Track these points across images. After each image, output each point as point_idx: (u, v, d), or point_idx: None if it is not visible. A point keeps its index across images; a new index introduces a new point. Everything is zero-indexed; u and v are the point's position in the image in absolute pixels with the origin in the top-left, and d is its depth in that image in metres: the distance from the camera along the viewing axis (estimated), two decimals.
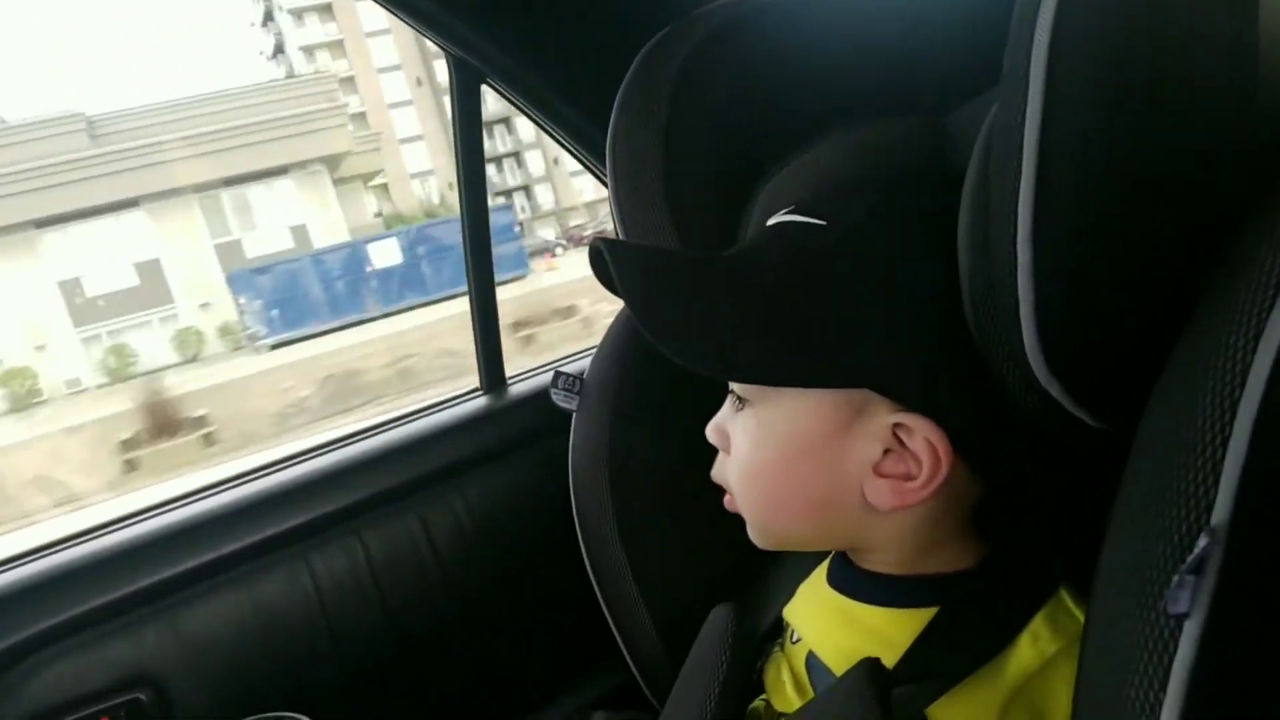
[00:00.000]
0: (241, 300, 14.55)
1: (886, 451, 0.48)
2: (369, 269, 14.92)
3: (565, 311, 9.13)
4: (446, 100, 1.10)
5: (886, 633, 0.50)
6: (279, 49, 38.18)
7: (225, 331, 16.66)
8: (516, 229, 17.73)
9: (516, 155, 37.80)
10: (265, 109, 18.16)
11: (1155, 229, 0.35)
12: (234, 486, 1.02)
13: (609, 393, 0.82)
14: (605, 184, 0.83)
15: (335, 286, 14.82)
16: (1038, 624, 0.47)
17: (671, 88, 0.71)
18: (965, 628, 0.48)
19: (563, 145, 1.11)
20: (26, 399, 15.16)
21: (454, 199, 1.21)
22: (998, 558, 0.51)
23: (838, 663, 0.51)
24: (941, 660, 0.47)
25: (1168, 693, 0.29)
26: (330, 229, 17.76)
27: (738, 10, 0.74)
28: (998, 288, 0.38)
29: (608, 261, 0.49)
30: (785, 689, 0.57)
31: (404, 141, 33.66)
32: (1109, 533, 0.36)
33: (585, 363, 0.89)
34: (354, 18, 34.12)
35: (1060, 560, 0.49)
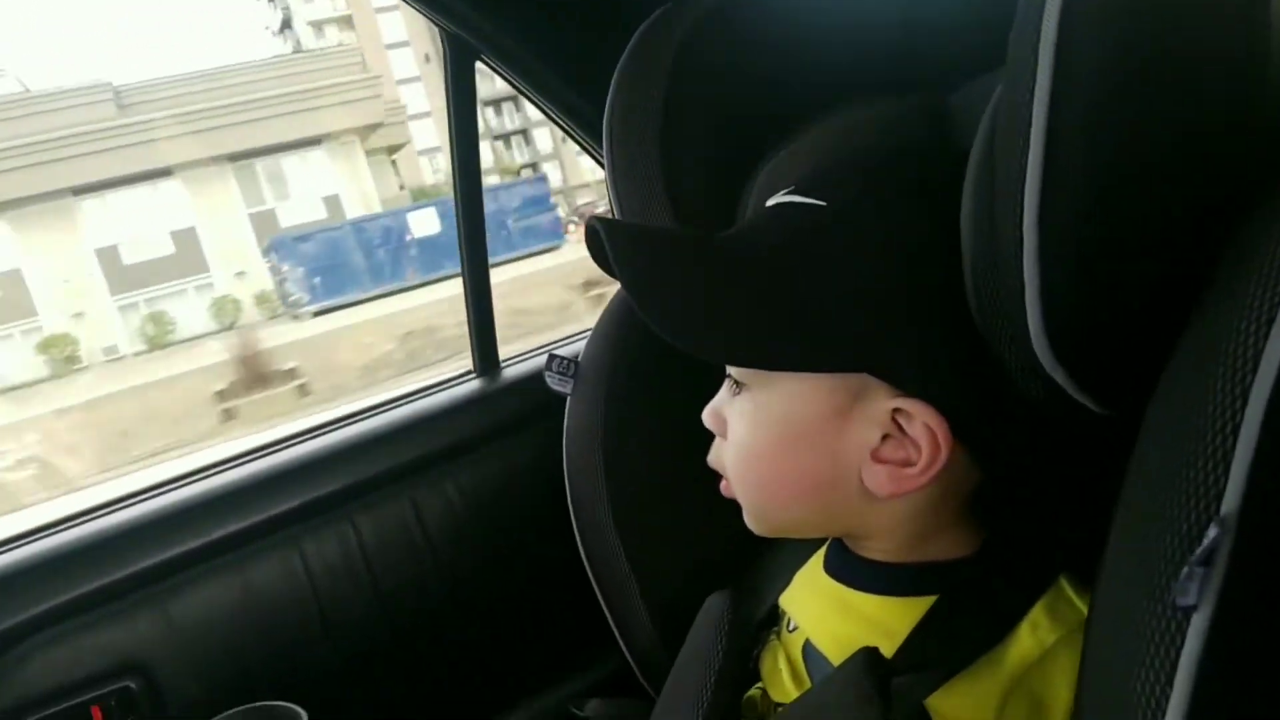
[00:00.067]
0: (285, 267, 14.71)
1: (885, 437, 0.47)
2: (409, 238, 15.10)
3: None
4: None
5: (884, 621, 0.50)
6: (286, 24, 37.89)
7: (262, 300, 16.80)
8: (554, 200, 17.88)
9: (524, 133, 37.76)
10: (294, 80, 18.25)
11: (1164, 211, 0.34)
12: (225, 471, 1.01)
13: (604, 375, 0.81)
14: (602, 164, 0.83)
15: (376, 255, 15.00)
16: (1037, 613, 0.47)
17: (669, 66, 0.71)
18: (964, 616, 0.48)
19: (559, 124, 1.09)
20: (66, 365, 15.32)
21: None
22: (996, 545, 0.51)
23: (835, 652, 0.51)
24: (940, 649, 0.47)
25: (1174, 686, 0.29)
26: (362, 199, 17.91)
27: None
28: (1002, 270, 0.38)
29: (604, 241, 0.48)
30: (782, 678, 0.57)
31: (412, 118, 33.64)
32: (1114, 522, 0.35)
33: (580, 345, 0.89)
34: None
35: (1060, 549, 0.48)
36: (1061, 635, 0.46)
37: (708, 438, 0.57)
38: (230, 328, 16.38)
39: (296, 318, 14.83)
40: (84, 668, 0.86)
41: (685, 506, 0.76)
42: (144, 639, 0.88)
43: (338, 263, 14.94)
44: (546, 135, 37.22)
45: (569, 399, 0.85)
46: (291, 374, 7.90)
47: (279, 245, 14.87)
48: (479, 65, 1.05)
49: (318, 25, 37.17)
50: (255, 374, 7.91)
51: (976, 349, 0.43)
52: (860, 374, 0.47)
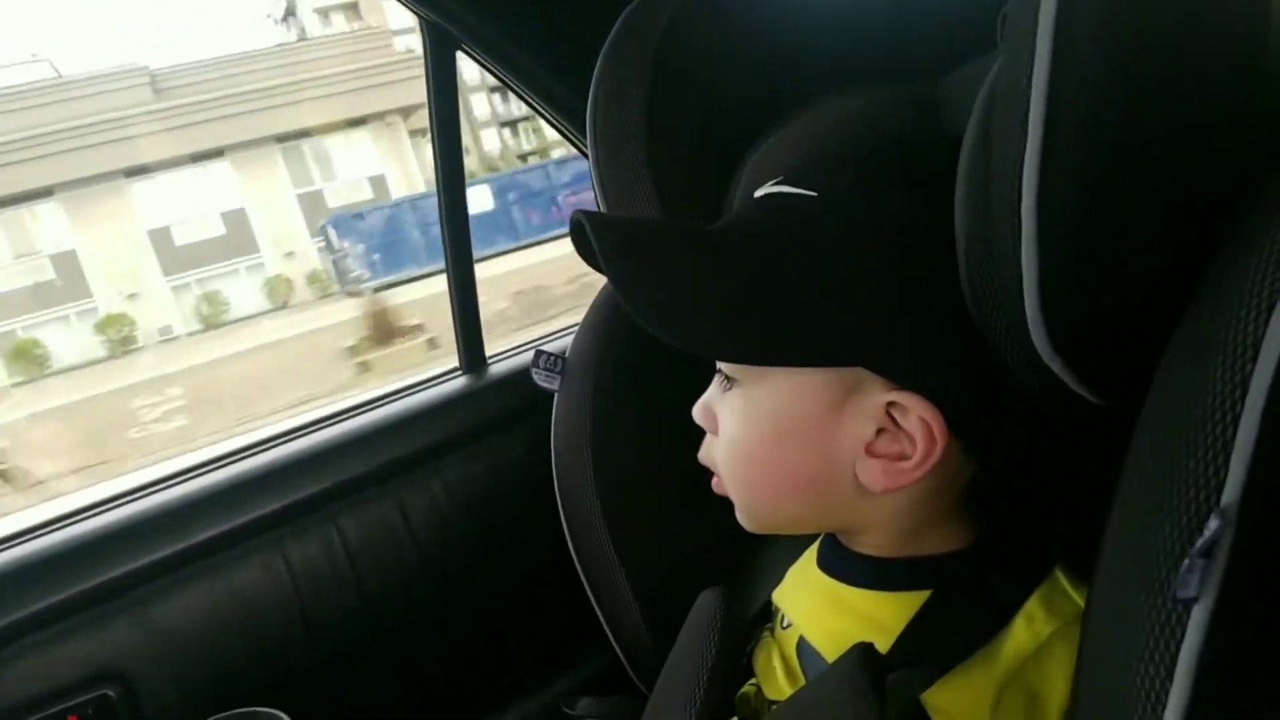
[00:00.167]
0: (345, 244, 14.95)
1: (879, 431, 0.47)
2: None
3: None
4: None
5: (878, 616, 0.50)
6: (290, 11, 37.83)
7: (313, 279, 17.00)
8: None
9: (532, 119, 37.94)
10: (336, 61, 18.43)
11: (1166, 195, 0.33)
12: (206, 473, 0.99)
13: (591, 371, 0.81)
14: (586, 155, 0.81)
15: (432, 231, 15.26)
16: (1032, 605, 0.46)
17: (654, 54, 0.69)
18: (958, 610, 0.47)
19: (542, 115, 1.08)
20: (122, 345, 15.50)
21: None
22: (991, 539, 0.50)
23: (829, 648, 0.51)
24: (935, 644, 0.46)
25: (1174, 680, 0.28)
26: (407, 179, 18.13)
27: None
28: (998, 257, 0.37)
29: (589, 235, 0.47)
30: (776, 675, 0.56)
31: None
32: (1112, 514, 0.35)
33: (567, 341, 0.88)
34: None
35: (1056, 541, 0.48)
36: (1057, 628, 0.45)
37: (697, 433, 0.56)
38: (283, 307, 16.61)
39: (356, 294, 15.09)
40: (60, 677, 0.85)
41: (675, 502, 0.75)
42: (122, 646, 0.87)
43: (395, 239, 15.21)
44: None
45: (556, 395, 0.84)
46: (419, 329, 8.21)
47: (338, 223, 15.10)
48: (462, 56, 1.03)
49: (323, 12, 37.24)
50: (384, 330, 8.22)
51: (972, 341, 0.42)
52: (854, 368, 0.46)
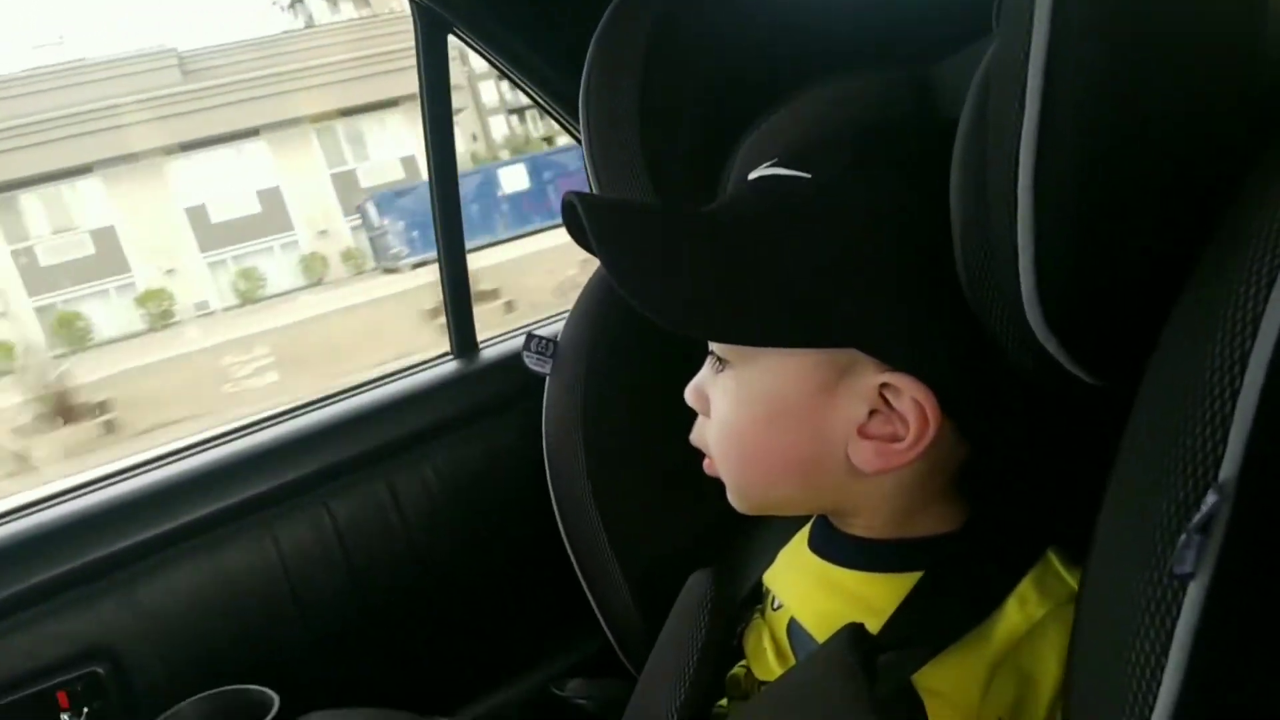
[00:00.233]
0: (385, 221, 15.22)
1: (872, 413, 0.47)
2: (500, 193, 15.66)
3: None
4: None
5: (870, 598, 0.50)
6: None
7: (347, 257, 17.29)
8: None
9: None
10: (369, 44, 18.64)
11: (1162, 176, 0.33)
12: (195, 454, 0.99)
13: (583, 354, 0.81)
14: (579, 140, 0.80)
15: (470, 209, 15.55)
16: (1025, 587, 0.46)
17: (648, 38, 0.69)
18: (950, 592, 0.47)
19: (534, 99, 1.07)
20: (161, 319, 15.76)
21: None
22: (983, 521, 0.51)
23: (820, 629, 0.51)
24: (926, 625, 0.46)
25: (1169, 656, 0.28)
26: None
27: None
28: (994, 237, 0.37)
29: (582, 216, 0.47)
30: (766, 656, 0.56)
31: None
32: (1108, 491, 0.35)
33: (559, 327, 0.88)
34: None
35: (1049, 523, 0.48)
36: (1050, 609, 0.45)
37: (689, 416, 0.56)
38: (318, 283, 16.87)
39: (393, 270, 15.34)
40: (50, 653, 0.85)
41: (667, 485, 0.76)
42: (112, 624, 0.87)
43: (429, 218, 15.47)
44: None
45: (548, 379, 0.84)
46: (495, 293, 8.53)
47: (380, 200, 15.37)
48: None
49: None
50: None
51: (966, 323, 0.42)
52: (846, 349, 0.46)
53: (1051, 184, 0.34)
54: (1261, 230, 0.29)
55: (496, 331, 1.22)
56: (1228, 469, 0.28)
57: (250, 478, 0.95)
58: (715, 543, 0.71)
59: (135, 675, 0.88)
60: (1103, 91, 0.32)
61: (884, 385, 0.46)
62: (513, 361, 1.02)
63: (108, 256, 16.73)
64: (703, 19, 0.71)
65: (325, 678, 0.94)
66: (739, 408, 0.51)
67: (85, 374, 9.10)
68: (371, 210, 15.55)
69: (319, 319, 9.82)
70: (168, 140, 17.15)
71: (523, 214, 15.85)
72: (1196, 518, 0.28)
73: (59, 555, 0.87)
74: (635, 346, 0.81)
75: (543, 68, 1.03)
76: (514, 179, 15.89)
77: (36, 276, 16.15)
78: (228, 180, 17.83)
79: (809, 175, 0.48)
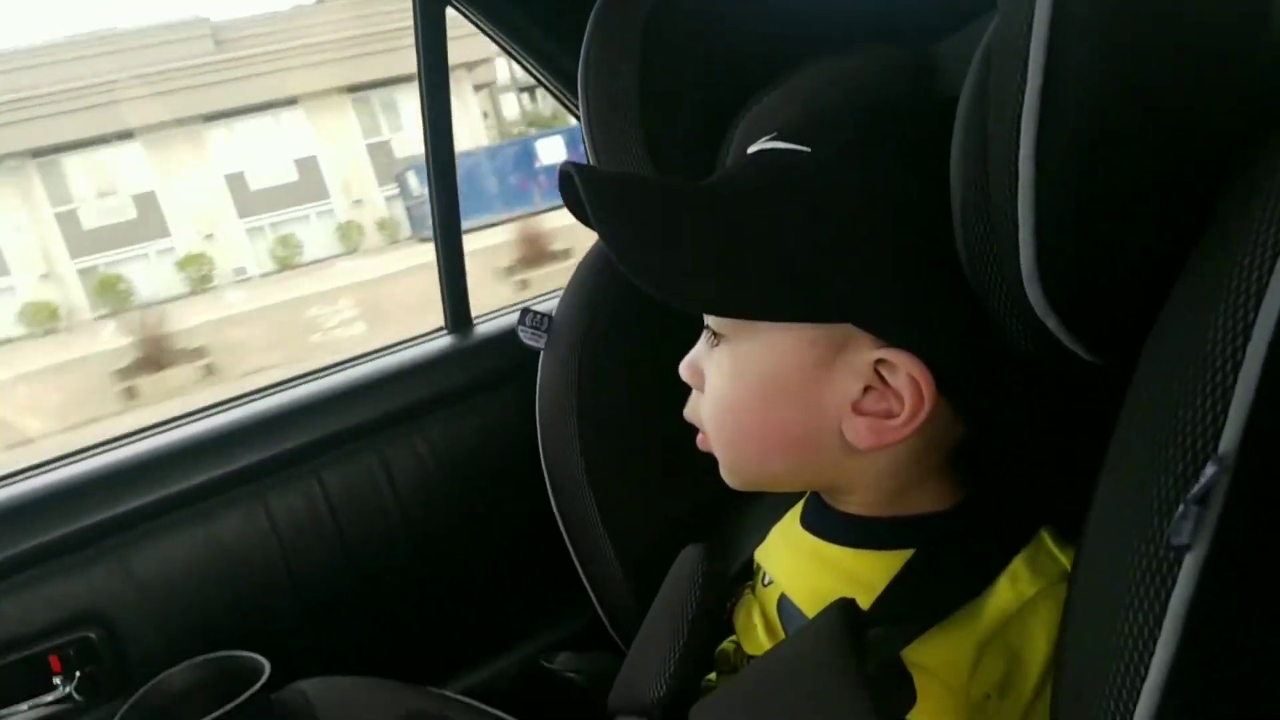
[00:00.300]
0: (425, 190, 15.49)
1: (867, 389, 0.47)
2: (537, 164, 15.93)
3: None
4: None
5: (861, 575, 0.50)
6: None
7: (382, 226, 17.55)
8: None
9: None
10: (397, 17, 18.79)
11: (1165, 149, 0.33)
12: (189, 423, 0.99)
13: (578, 329, 0.80)
14: (576, 115, 0.80)
15: (508, 180, 15.80)
16: (1017, 565, 0.46)
17: (647, 13, 0.69)
18: (942, 570, 0.48)
19: (532, 73, 1.07)
20: (201, 284, 16.05)
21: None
22: (977, 500, 0.51)
23: (811, 606, 0.51)
24: (917, 602, 0.46)
25: (1163, 628, 0.28)
26: (470, 132, 18.61)
27: None
28: (994, 210, 0.37)
29: (579, 188, 0.46)
30: (756, 632, 0.56)
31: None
32: (1105, 464, 0.34)
33: (555, 304, 0.87)
34: None
35: (1043, 502, 0.48)
36: (1041, 588, 0.45)
37: (684, 392, 0.56)
38: (354, 251, 17.15)
39: (430, 240, 15.52)
40: (42, 618, 0.85)
41: (660, 461, 0.76)
42: (104, 590, 0.88)
43: (473, 187, 15.72)
44: None
45: (542, 354, 0.84)
46: (568, 253, 8.91)
47: (421, 169, 15.64)
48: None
49: None
50: (536, 253, 8.92)
51: (964, 300, 0.42)
52: (843, 324, 0.46)
53: (1053, 156, 0.33)
54: (1267, 202, 0.29)
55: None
56: (1228, 441, 0.27)
57: (243, 448, 0.96)
58: (708, 520, 0.71)
59: (128, 641, 0.88)
60: (1106, 62, 0.32)
61: (879, 361, 0.46)
62: (507, 337, 1.04)
63: (149, 221, 16.97)
64: None
65: (316, 646, 0.95)
66: (734, 383, 0.50)
67: (166, 325, 9.45)
68: (412, 178, 15.77)
69: (388, 278, 10.15)
70: (207, 108, 17.37)
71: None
72: (1195, 489, 0.27)
73: (53, 521, 0.87)
74: (631, 322, 0.80)
75: (541, 41, 1.03)
76: (551, 151, 16.11)
77: (80, 239, 16.39)
78: (266, 149, 18.07)
79: (807, 149, 0.48)
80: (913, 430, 0.46)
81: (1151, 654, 0.29)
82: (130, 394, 7.91)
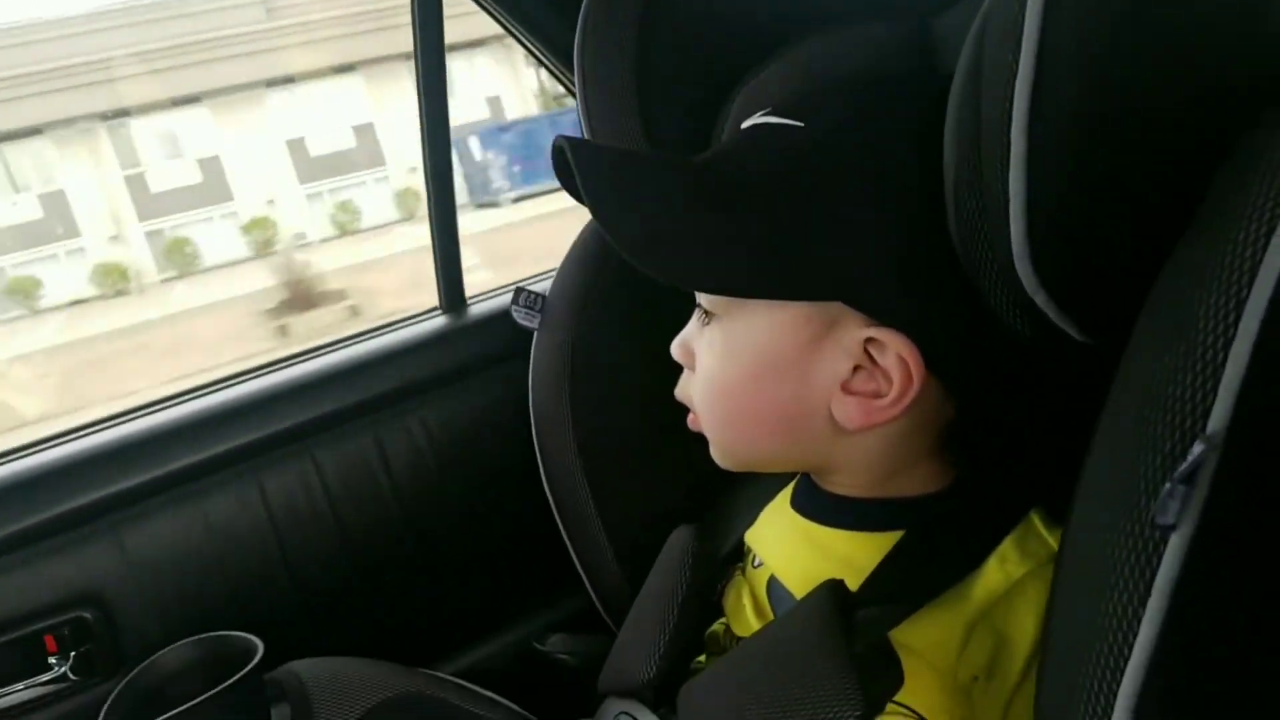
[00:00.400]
0: (490, 155, 15.73)
1: (857, 369, 0.47)
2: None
3: None
4: None
5: (851, 556, 0.50)
6: None
7: None
8: None
9: None
10: None
11: (1158, 124, 0.33)
12: (182, 402, 0.99)
13: (572, 309, 0.80)
14: (571, 90, 0.80)
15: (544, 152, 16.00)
16: (1006, 547, 0.47)
17: None
18: (931, 551, 0.48)
19: (525, 45, 1.06)
20: (265, 248, 16.37)
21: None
22: (967, 481, 0.51)
23: (800, 587, 0.50)
24: (906, 584, 0.47)
25: (1148, 607, 0.28)
26: (522, 100, 18.83)
27: None
28: (986, 184, 0.36)
29: (570, 162, 0.46)
30: (745, 613, 0.57)
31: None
32: (1093, 443, 0.34)
33: (549, 284, 0.87)
34: None
35: (1033, 484, 0.48)
36: (1030, 569, 0.46)
37: (677, 372, 0.56)
38: (410, 218, 17.45)
39: (491, 204, 15.84)
40: (37, 598, 0.85)
41: (653, 441, 0.76)
42: (98, 570, 0.87)
43: (534, 153, 15.95)
44: None
45: (535, 334, 0.84)
46: None
47: (485, 135, 15.86)
48: None
49: None
50: None
51: (954, 279, 0.42)
52: (834, 303, 0.46)
53: (1045, 132, 0.33)
54: (1262, 180, 0.28)
55: None
56: (1216, 420, 0.27)
57: (237, 427, 0.95)
58: (699, 501, 0.72)
59: (122, 621, 0.88)
60: (1100, 34, 0.32)
61: (869, 340, 0.45)
62: (502, 316, 1.03)
63: (213, 185, 17.24)
64: None
65: (310, 626, 0.95)
66: (724, 361, 0.50)
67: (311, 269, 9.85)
68: (474, 144, 16.03)
69: (492, 232, 10.53)
70: (268, 74, 17.61)
71: None
72: (1181, 468, 0.27)
73: (48, 500, 0.87)
74: (624, 301, 0.80)
75: (538, 13, 1.02)
76: None
77: (147, 202, 16.67)
78: (325, 115, 18.32)
79: (801, 123, 0.48)
80: (901, 410, 0.46)
81: (1136, 633, 0.29)
82: (283, 331, 8.34)
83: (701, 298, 0.52)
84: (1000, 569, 0.46)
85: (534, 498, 0.83)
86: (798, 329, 0.47)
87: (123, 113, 16.45)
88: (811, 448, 0.51)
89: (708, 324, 0.52)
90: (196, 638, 0.75)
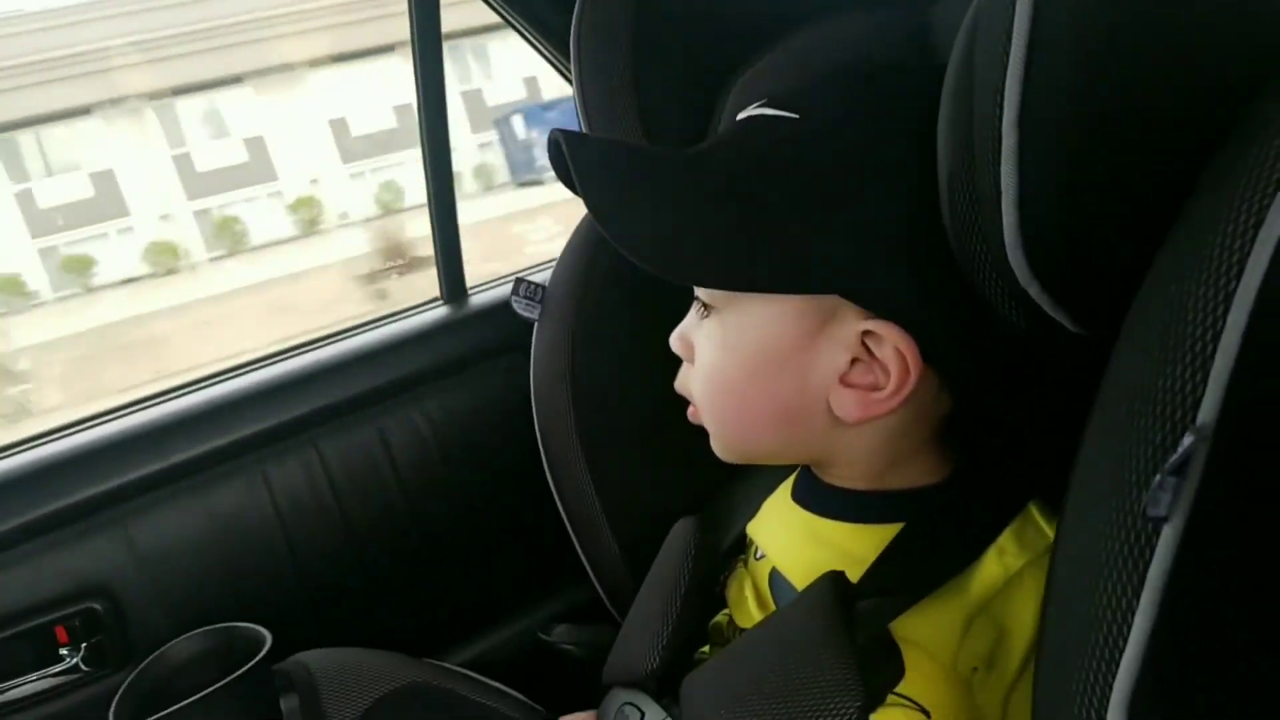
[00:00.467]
0: (533, 134, 15.93)
1: (854, 361, 0.47)
2: None
3: None
4: None
5: (852, 548, 0.50)
6: None
7: (479, 173, 18.04)
8: None
9: None
10: None
11: (1149, 116, 0.33)
12: (187, 394, 0.99)
13: (572, 300, 0.80)
14: (570, 80, 0.80)
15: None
16: (1005, 539, 0.47)
17: None
18: (930, 543, 0.48)
19: (522, 34, 1.06)
20: (310, 227, 16.67)
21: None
22: (966, 473, 0.51)
23: (801, 579, 0.51)
24: (906, 575, 0.47)
25: (1140, 600, 0.28)
26: (557, 79, 18.93)
27: None
28: (978, 176, 0.36)
29: (566, 155, 0.46)
30: (748, 604, 0.57)
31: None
32: (1085, 436, 0.34)
33: (549, 274, 0.86)
34: None
35: (1031, 475, 0.48)
36: (1028, 560, 0.46)
37: (678, 362, 0.56)
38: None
39: (534, 183, 16.05)
40: (48, 590, 0.86)
41: (653, 434, 0.76)
42: (107, 562, 0.88)
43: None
44: None
45: (535, 325, 0.84)
46: None
47: (529, 114, 16.05)
48: None
49: None
50: None
51: (950, 271, 0.42)
52: (831, 296, 0.46)
53: (1036, 119, 0.33)
54: (1250, 172, 0.28)
55: None
56: (1206, 412, 0.27)
57: (242, 418, 0.96)
58: (701, 493, 0.72)
59: (132, 612, 0.89)
60: (1090, 25, 0.31)
61: (866, 333, 0.45)
62: (503, 309, 1.03)
63: (259, 165, 17.50)
64: None
65: (317, 617, 0.96)
66: (723, 354, 0.50)
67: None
68: (518, 123, 16.20)
69: (551, 206, 10.85)
70: (312, 54, 17.81)
71: None
72: (1172, 459, 0.27)
73: (54, 492, 0.87)
74: (623, 293, 0.80)
75: (535, 6, 1.01)
76: None
77: (194, 181, 16.93)
78: (366, 94, 18.51)
79: (796, 115, 0.48)
80: (899, 403, 0.46)
81: (1130, 625, 0.29)
82: (381, 295, 8.65)
83: (699, 290, 0.52)
84: (999, 561, 0.47)
85: (537, 487, 0.82)
86: (795, 322, 0.47)
87: (165, 93, 16.67)
88: (810, 440, 0.51)
89: (706, 317, 0.52)
90: (205, 629, 0.76)
